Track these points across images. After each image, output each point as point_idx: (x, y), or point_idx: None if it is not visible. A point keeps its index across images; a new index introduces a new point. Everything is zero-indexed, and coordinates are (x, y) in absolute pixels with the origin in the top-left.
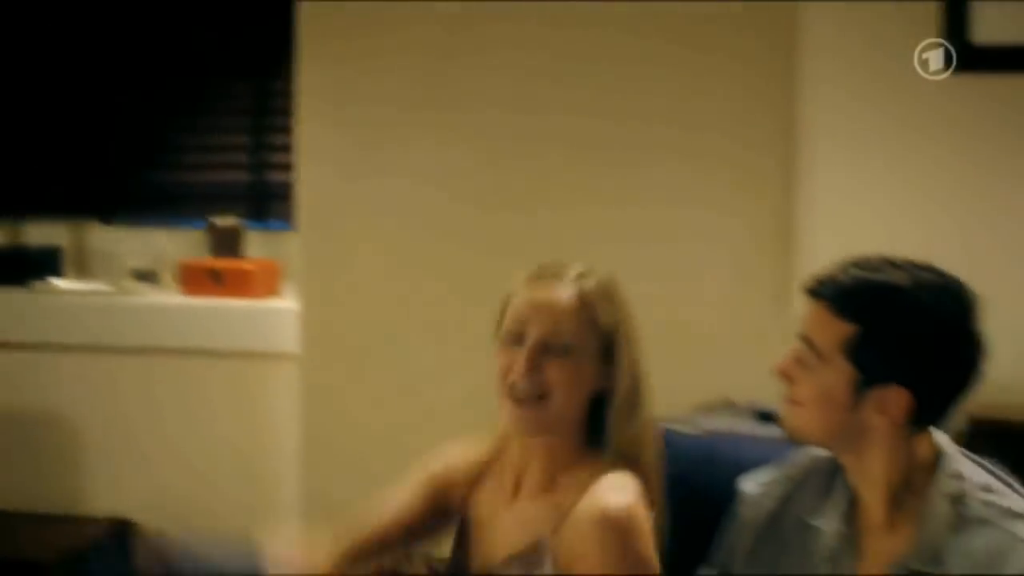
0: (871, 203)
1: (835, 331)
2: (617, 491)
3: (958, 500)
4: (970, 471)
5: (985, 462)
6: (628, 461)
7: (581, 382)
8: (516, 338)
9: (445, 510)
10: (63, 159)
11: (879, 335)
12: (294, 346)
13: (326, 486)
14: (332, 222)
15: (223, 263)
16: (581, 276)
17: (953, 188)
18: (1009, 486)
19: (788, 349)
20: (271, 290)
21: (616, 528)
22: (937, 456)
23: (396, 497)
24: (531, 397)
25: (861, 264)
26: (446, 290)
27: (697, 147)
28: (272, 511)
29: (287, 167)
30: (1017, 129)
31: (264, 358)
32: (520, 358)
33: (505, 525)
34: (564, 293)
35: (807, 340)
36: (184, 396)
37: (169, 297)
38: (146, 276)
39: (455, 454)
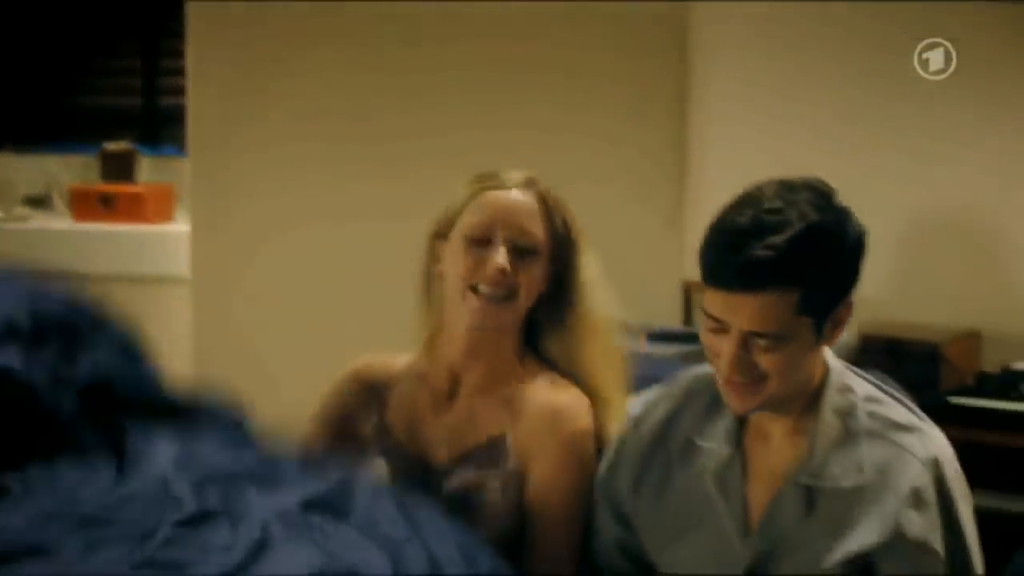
0: (758, 125)
1: (784, 305)
2: (562, 391)
3: (846, 414)
4: (856, 384)
5: (868, 375)
6: (566, 365)
7: (539, 283)
8: (481, 241)
9: (351, 435)
10: None
11: (821, 280)
12: (187, 270)
13: None
14: (223, 145)
15: (114, 188)
16: (533, 182)
17: (839, 110)
18: (894, 398)
19: (727, 353)
20: (164, 215)
21: (563, 423)
22: (825, 371)
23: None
24: (502, 297)
25: (754, 230)
26: (338, 213)
27: (593, 72)
28: None
29: (182, 91)
30: (899, 49)
31: (156, 283)
32: (492, 260)
33: (447, 425)
34: (527, 198)
35: (761, 334)
36: None
37: (60, 223)
38: (38, 202)
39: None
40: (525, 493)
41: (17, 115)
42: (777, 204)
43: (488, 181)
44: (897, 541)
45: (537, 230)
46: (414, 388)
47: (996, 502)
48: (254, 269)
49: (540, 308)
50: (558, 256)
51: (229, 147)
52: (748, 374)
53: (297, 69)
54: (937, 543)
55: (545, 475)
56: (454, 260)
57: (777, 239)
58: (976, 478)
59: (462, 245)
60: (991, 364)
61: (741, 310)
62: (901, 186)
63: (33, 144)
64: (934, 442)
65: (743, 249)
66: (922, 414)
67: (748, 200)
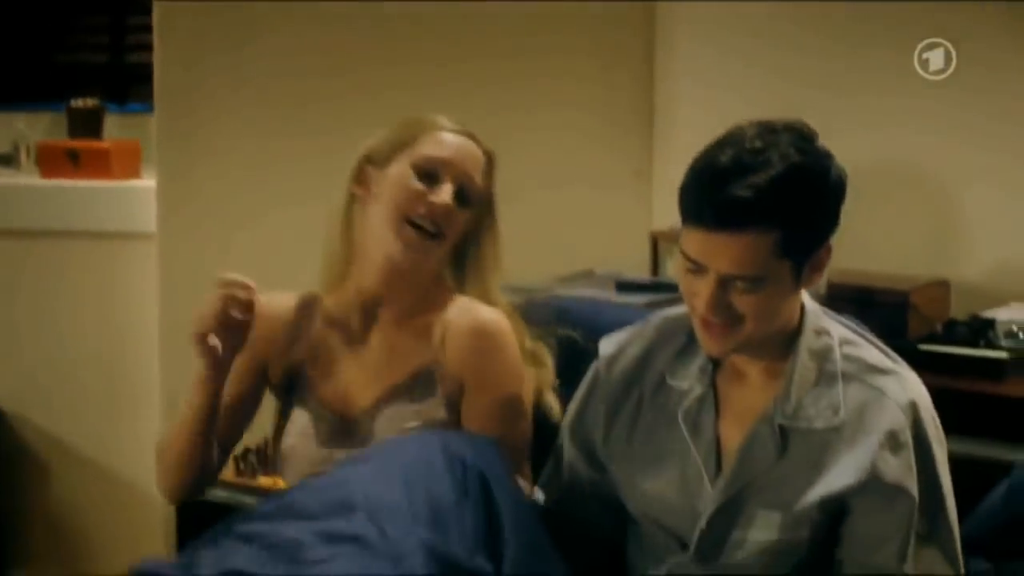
0: (725, 75)
1: (763, 247)
2: (482, 306)
3: (823, 356)
4: (832, 327)
5: (844, 319)
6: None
7: (460, 234)
8: (430, 175)
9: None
10: None
11: (804, 221)
12: (153, 226)
13: (185, 365)
14: (190, 101)
15: (81, 143)
16: (478, 138)
17: (804, 58)
18: (869, 341)
19: (704, 294)
20: (130, 171)
21: (491, 335)
22: (801, 313)
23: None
24: (434, 233)
25: (734, 169)
26: (306, 168)
27: (561, 27)
28: (132, 391)
29: (150, 48)
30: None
31: (123, 238)
32: (438, 194)
33: (366, 364)
34: (476, 150)
35: (740, 276)
36: (42, 278)
37: (26, 179)
38: (5, 160)
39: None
40: (462, 415)
41: None
42: (759, 144)
43: (438, 122)
44: (872, 483)
45: (479, 183)
46: (324, 330)
47: (965, 447)
48: (220, 224)
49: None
50: (478, 216)
51: (196, 102)
52: (725, 315)
53: (265, 26)
54: (912, 486)
55: (482, 388)
56: (394, 187)
57: (758, 179)
58: (945, 424)
59: (408, 174)
60: (960, 313)
61: (720, 251)
62: (871, 140)
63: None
64: (911, 385)
65: (724, 188)
66: (897, 357)
67: (730, 140)
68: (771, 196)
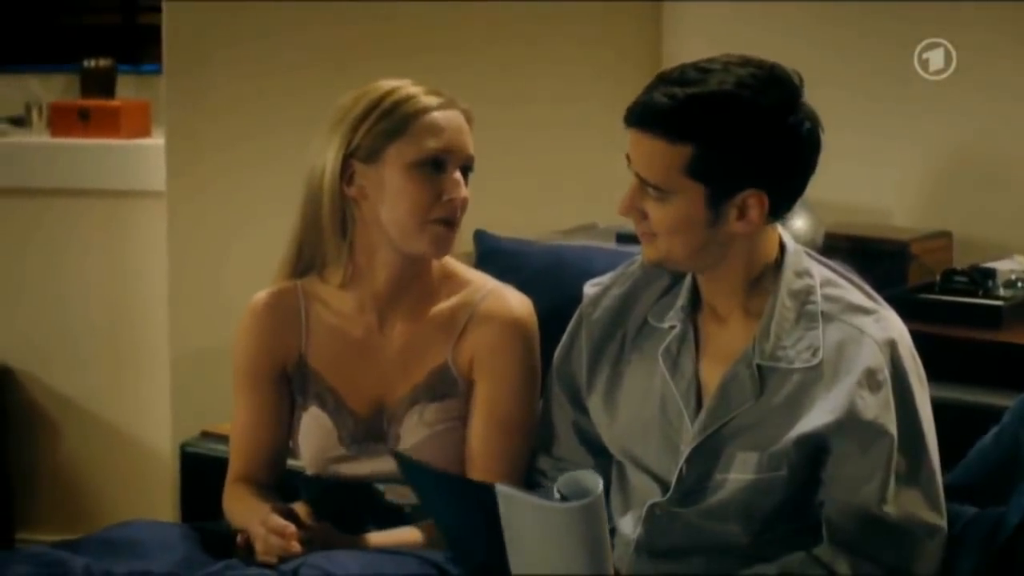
0: (734, 22)
1: (672, 158)
2: (512, 293)
3: (804, 296)
4: (814, 268)
5: (830, 261)
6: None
7: None
8: (437, 165)
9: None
10: None
11: (718, 147)
12: (162, 184)
13: (192, 322)
14: (198, 58)
15: (91, 102)
16: (455, 99)
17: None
18: (851, 282)
19: (627, 192)
20: (140, 130)
21: (522, 332)
22: (782, 253)
23: (249, 411)
24: (456, 221)
25: (673, 79)
26: (312, 126)
27: None
28: (141, 348)
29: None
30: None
31: (132, 196)
32: (455, 189)
33: (387, 362)
34: (459, 117)
35: (642, 179)
36: (52, 236)
37: (37, 138)
38: (18, 121)
39: (259, 338)
40: (476, 402)
41: None
42: (714, 67)
43: (420, 102)
44: (850, 421)
45: (472, 150)
46: (335, 327)
47: (962, 395)
48: (229, 182)
49: None
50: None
51: (204, 62)
52: (638, 221)
53: None
54: (891, 424)
55: (507, 381)
56: (405, 190)
57: (680, 91)
58: (942, 372)
59: (413, 172)
60: (963, 266)
61: (636, 149)
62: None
63: (14, 64)
64: (890, 324)
65: (650, 92)
66: (879, 298)
67: (705, 60)
68: (684, 109)
